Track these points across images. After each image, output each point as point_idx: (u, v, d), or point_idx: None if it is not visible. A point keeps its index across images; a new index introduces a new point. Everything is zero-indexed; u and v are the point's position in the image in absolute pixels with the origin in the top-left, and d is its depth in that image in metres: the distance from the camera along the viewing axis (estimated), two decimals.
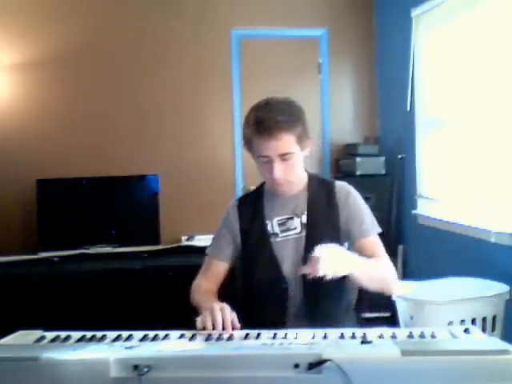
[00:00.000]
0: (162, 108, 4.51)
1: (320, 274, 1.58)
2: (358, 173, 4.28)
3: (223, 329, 1.56)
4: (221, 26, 4.53)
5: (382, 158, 4.37)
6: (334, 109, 4.69)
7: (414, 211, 4.02)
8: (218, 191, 4.49)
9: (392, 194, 4.24)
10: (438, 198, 3.75)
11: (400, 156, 4.23)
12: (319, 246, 1.63)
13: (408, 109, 4.09)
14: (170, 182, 4.38)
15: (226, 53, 4.55)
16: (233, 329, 1.58)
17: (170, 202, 4.35)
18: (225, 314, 1.59)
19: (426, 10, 3.80)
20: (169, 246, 4.21)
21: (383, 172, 4.35)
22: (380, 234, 1.95)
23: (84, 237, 4.20)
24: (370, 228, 1.92)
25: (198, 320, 1.60)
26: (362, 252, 1.88)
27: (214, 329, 1.56)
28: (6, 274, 3.67)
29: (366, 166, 4.32)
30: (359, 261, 1.74)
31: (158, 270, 3.81)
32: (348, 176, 4.25)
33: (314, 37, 4.67)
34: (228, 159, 4.59)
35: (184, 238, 4.42)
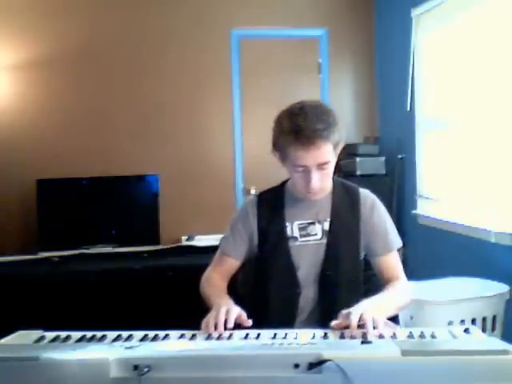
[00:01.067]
0: (162, 108, 4.51)
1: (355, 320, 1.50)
2: (358, 173, 4.28)
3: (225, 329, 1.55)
4: (221, 26, 4.53)
5: (382, 158, 4.37)
6: (334, 109, 4.68)
7: (413, 211, 4.02)
8: (218, 191, 4.49)
9: (392, 194, 4.24)
10: (438, 198, 3.75)
11: (400, 156, 4.23)
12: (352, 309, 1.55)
13: (408, 109, 4.09)
14: (170, 182, 4.38)
15: (226, 53, 4.55)
16: (242, 327, 1.56)
17: (170, 202, 4.35)
18: (229, 316, 1.57)
19: (426, 10, 3.80)
20: (169, 246, 4.20)
21: (383, 172, 4.35)
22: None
23: (84, 237, 4.20)
24: (392, 244, 1.89)
25: (203, 322, 1.59)
26: (382, 270, 1.87)
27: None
28: (6, 274, 3.67)
29: (366, 165, 4.32)
30: (384, 307, 1.67)
31: (158, 270, 3.81)
32: (348, 176, 4.24)
33: (314, 37, 4.67)
34: (228, 159, 4.59)
35: (184, 238, 4.42)
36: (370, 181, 4.16)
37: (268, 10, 4.60)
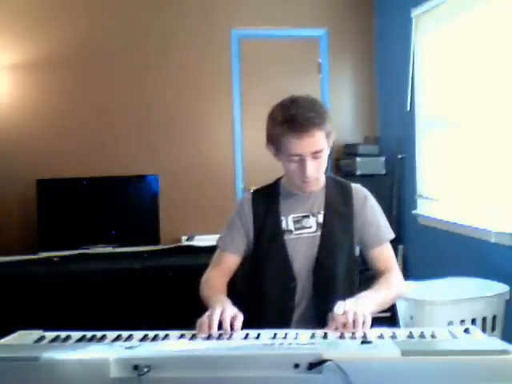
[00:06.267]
0: (162, 108, 4.51)
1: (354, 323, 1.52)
2: (358, 173, 4.28)
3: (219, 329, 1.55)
4: (221, 26, 4.53)
5: (382, 158, 4.37)
6: (334, 109, 4.68)
7: (414, 211, 4.02)
8: (218, 191, 4.49)
9: (392, 194, 4.24)
10: (438, 198, 3.75)
11: (400, 156, 4.23)
12: (338, 304, 1.59)
13: (408, 109, 4.09)
14: (170, 182, 4.38)
15: (226, 53, 4.55)
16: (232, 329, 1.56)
17: (170, 202, 4.35)
18: (224, 317, 1.56)
19: (425, 10, 3.80)
20: (169, 246, 4.20)
21: (383, 172, 4.35)
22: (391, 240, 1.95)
23: (84, 237, 4.20)
24: (385, 235, 1.92)
25: (198, 322, 1.58)
26: (375, 262, 1.90)
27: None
28: (5, 274, 3.67)
29: (366, 165, 4.32)
30: (372, 302, 1.69)
31: (158, 270, 3.81)
32: (348, 176, 4.25)
33: (314, 37, 4.67)
34: (228, 159, 4.59)
35: (184, 238, 4.42)
36: (370, 181, 4.15)
37: (268, 10, 4.60)
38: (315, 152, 1.76)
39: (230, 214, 1.99)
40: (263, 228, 1.90)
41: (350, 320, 1.51)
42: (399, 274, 1.90)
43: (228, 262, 1.93)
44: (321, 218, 1.88)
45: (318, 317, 1.80)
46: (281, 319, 1.76)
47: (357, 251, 1.95)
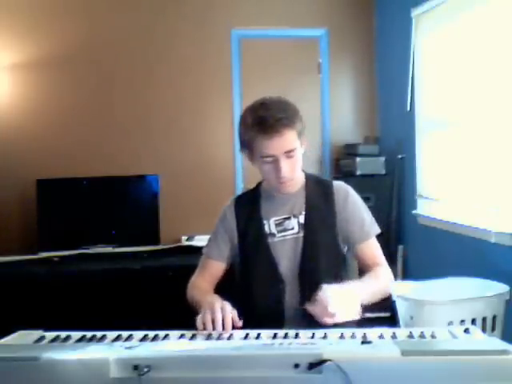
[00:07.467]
0: (162, 108, 4.51)
1: (334, 320, 1.57)
2: (358, 173, 4.28)
3: (223, 328, 1.56)
4: (221, 26, 4.53)
5: (382, 158, 4.37)
6: (333, 109, 4.69)
7: (414, 211, 4.02)
8: (218, 191, 4.48)
9: (392, 194, 4.24)
10: (438, 198, 3.75)
11: (400, 156, 4.23)
12: (324, 287, 1.63)
13: (408, 109, 4.09)
14: (170, 182, 4.38)
15: (226, 53, 4.55)
16: (234, 327, 1.58)
17: (170, 202, 4.35)
18: (225, 312, 1.59)
19: (425, 10, 3.80)
20: (169, 246, 4.20)
21: (383, 172, 4.35)
22: (379, 235, 1.95)
23: (84, 237, 4.20)
24: (370, 230, 1.92)
25: (198, 319, 1.60)
26: (362, 258, 1.91)
27: (214, 328, 1.56)
28: (5, 274, 3.67)
29: (366, 165, 4.31)
30: (361, 290, 1.72)
31: (158, 270, 3.81)
32: (348, 176, 4.25)
33: (314, 37, 4.67)
34: (228, 159, 4.59)
35: (184, 238, 4.42)
36: (370, 181, 4.16)
37: (268, 10, 4.60)
38: (288, 151, 1.77)
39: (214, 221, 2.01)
40: (246, 233, 1.91)
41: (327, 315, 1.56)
42: (388, 269, 1.91)
43: (213, 269, 1.96)
44: (302, 219, 1.89)
45: (308, 317, 1.79)
46: (272, 321, 1.77)
47: (345, 250, 1.95)
